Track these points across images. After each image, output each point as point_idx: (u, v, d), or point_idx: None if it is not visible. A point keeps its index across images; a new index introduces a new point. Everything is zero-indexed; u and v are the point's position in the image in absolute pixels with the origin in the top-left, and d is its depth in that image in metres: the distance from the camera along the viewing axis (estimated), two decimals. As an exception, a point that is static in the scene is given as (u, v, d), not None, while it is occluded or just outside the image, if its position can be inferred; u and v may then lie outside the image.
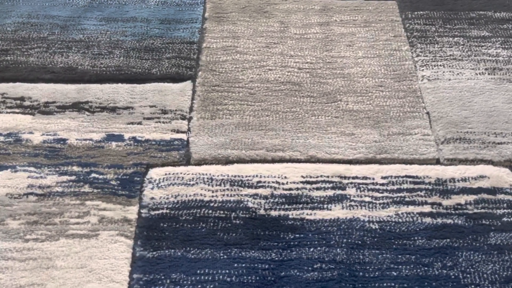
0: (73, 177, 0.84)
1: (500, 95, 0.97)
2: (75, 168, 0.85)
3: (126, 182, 0.84)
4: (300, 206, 0.81)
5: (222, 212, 0.80)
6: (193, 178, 0.84)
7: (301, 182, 0.84)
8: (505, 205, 0.81)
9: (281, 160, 0.87)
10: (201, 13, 1.13)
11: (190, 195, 0.82)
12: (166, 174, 0.85)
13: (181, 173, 0.85)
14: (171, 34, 1.08)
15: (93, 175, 0.84)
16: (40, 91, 0.97)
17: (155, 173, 0.85)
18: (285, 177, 0.85)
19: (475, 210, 0.81)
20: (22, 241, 0.76)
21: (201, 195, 0.82)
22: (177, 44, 1.06)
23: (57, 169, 0.85)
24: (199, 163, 0.87)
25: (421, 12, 1.13)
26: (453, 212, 0.80)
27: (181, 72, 1.00)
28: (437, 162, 0.88)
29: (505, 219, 0.79)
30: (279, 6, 1.15)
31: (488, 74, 1.01)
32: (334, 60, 1.03)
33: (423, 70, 1.02)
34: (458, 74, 1.01)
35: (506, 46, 1.06)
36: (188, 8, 1.14)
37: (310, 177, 0.85)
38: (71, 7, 1.15)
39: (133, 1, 1.16)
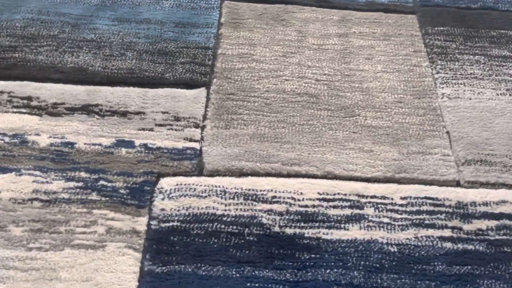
0: (80, 184, 0.80)
1: (522, 117, 0.95)
2: (83, 174, 0.82)
3: (135, 191, 0.80)
4: (317, 224, 0.78)
5: (235, 227, 0.77)
6: (205, 190, 0.81)
7: (318, 199, 0.81)
8: (527, 232, 0.79)
9: (297, 175, 0.84)
10: (217, 18, 1.10)
11: (202, 208, 0.79)
12: (177, 184, 0.82)
13: (193, 184, 0.82)
14: (185, 38, 1.05)
15: (101, 182, 0.81)
16: (48, 91, 0.94)
17: (166, 183, 0.82)
18: (301, 193, 0.82)
19: (497, 237, 0.78)
20: (25, 249, 0.72)
21: (213, 208, 0.79)
22: (192, 49, 1.02)
23: (64, 174, 0.81)
24: (212, 174, 0.84)
25: (442, 28, 1.11)
26: (474, 237, 0.78)
27: (195, 78, 0.97)
28: (457, 184, 0.85)
29: (527, 247, 0.77)
30: (296, 15, 1.12)
31: (510, 95, 0.98)
32: (353, 73, 1.00)
33: (443, 87, 0.99)
34: (479, 93, 0.98)
35: (528, 67, 1.04)
36: (204, 12, 1.11)
37: (327, 194, 0.82)
38: (83, 5, 1.12)
39: (147, 2, 1.13)
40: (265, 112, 0.93)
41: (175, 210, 0.79)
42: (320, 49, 1.04)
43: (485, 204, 0.82)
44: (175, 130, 0.89)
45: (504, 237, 0.78)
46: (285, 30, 1.08)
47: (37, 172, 0.81)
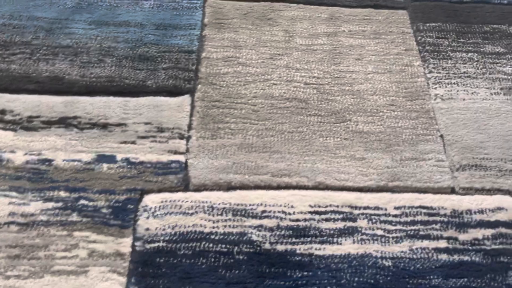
0: (59, 204, 0.76)
1: (516, 117, 0.92)
2: (62, 194, 0.77)
3: (118, 210, 0.76)
4: (309, 239, 0.75)
5: (224, 246, 0.74)
6: (192, 206, 0.78)
7: (309, 212, 0.78)
8: (524, 240, 0.77)
9: (287, 187, 0.81)
10: (200, 19, 1.04)
11: (189, 226, 0.76)
12: (162, 201, 0.78)
13: (179, 201, 0.78)
14: (167, 42, 0.99)
15: (82, 201, 0.77)
16: (23, 103, 0.89)
17: (150, 200, 0.78)
18: (292, 206, 0.79)
19: (493, 246, 0.76)
20: (2, 278, 0.68)
21: (201, 225, 0.76)
22: (174, 53, 0.97)
23: (42, 194, 0.77)
24: (199, 188, 0.80)
25: (433, 24, 1.07)
26: (470, 248, 0.76)
27: (178, 85, 0.93)
28: (452, 191, 0.83)
29: (524, 256, 0.75)
30: (283, 13, 1.07)
31: (504, 94, 0.95)
32: (343, 75, 0.97)
33: (436, 88, 0.96)
34: (472, 93, 0.95)
35: (522, 64, 1.01)
36: (186, 13, 1.05)
37: (319, 206, 0.79)
38: (58, 8, 1.05)
39: (126, 3, 1.07)
40: (253, 119, 0.89)
41: (160, 229, 0.75)
42: (308, 50, 1.00)
43: (481, 211, 0.80)
44: (159, 142, 0.85)
45: (501, 246, 0.76)
46: (272, 30, 1.04)
47: (13, 193, 0.77)
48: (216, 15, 1.05)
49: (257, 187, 0.81)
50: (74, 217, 0.75)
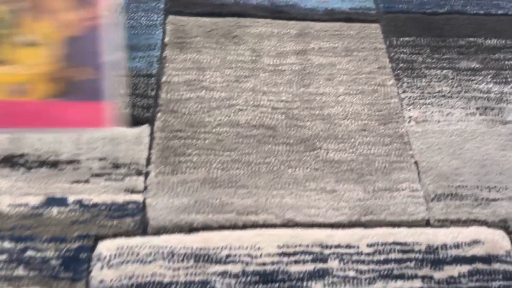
0: (4, 256, 0.70)
1: (492, 140, 0.89)
2: (7, 244, 0.71)
3: (69, 261, 0.70)
4: (276, 285, 0.71)
5: (185, 296, 0.69)
6: (150, 253, 0.72)
7: (277, 254, 0.73)
8: (500, 276, 0.74)
9: (254, 225, 0.76)
10: (160, 38, 0.97)
11: (147, 276, 0.70)
12: (118, 248, 0.72)
13: (136, 247, 0.72)
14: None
15: (29, 252, 0.70)
16: (-37, 140, 0.81)
17: (105, 247, 0.72)
18: (259, 248, 0.74)
19: (470, 284, 0.73)
20: None
21: (160, 275, 0.70)
22: (132, 77, 0.90)
23: (-16, 246, 0.70)
24: (158, 231, 0.74)
25: (407, 39, 1.02)
26: (446, 287, 0.72)
27: (136, 114, 0.86)
28: (427, 223, 0.79)
29: (501, 293, 0.72)
30: (250, 29, 1.01)
31: (480, 114, 0.92)
32: (313, 98, 0.91)
33: (410, 109, 0.92)
34: (447, 114, 0.91)
35: (498, 80, 0.97)
36: (145, 31, 0.98)
37: (287, 246, 0.74)
38: None
39: (79, 22, 0.99)
40: (217, 150, 0.83)
41: (116, 281, 0.69)
42: (276, 71, 0.94)
43: (457, 246, 0.76)
44: (114, 180, 0.78)
45: (477, 284, 0.73)
46: (238, 49, 0.97)
47: (-49, 246, 0.70)
48: (178, 34, 0.99)
49: (222, 227, 0.76)
50: (20, 271, 0.69)
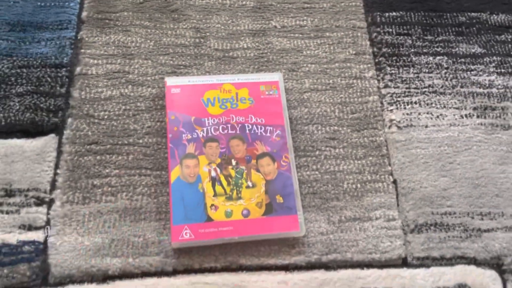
0: None
1: (491, 151, 0.72)
2: None
3: None
4: None
5: None
6: (51, 312, 0.57)
7: (214, 308, 0.59)
8: (488, 331, 0.61)
9: (187, 270, 0.61)
10: (76, 12, 0.75)
11: None
12: (8, 307, 0.57)
13: (32, 304, 0.57)
14: (26, 51, 0.71)
15: None
16: None
17: (-9, 306, 0.57)
18: (191, 302, 0.59)
19: None
20: None
21: None
22: (36, 68, 0.69)
23: None
24: (62, 281, 0.58)
25: (394, 14, 0.81)
26: None
27: (39, 120, 0.66)
28: (404, 262, 0.64)
29: None
30: (194, 1, 0.78)
31: (477, 116, 0.74)
32: (271, 96, 0.72)
33: (391, 110, 0.73)
34: (438, 117, 0.73)
35: (503, 70, 0.78)
36: (56, 3, 0.75)
37: (228, 298, 0.59)
38: None
39: (-33, -10, 0.75)
40: (144, 169, 0.65)
41: None
42: (225, 58, 0.74)
43: (438, 293, 0.62)
44: (6, 213, 0.61)
45: None
46: (177, 27, 0.76)
47: None
48: (99, 7, 0.76)
49: (145, 274, 0.60)
50: None
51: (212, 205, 0.62)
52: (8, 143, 0.64)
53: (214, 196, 0.62)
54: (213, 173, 0.63)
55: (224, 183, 0.63)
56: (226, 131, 0.66)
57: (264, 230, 0.61)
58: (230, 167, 0.64)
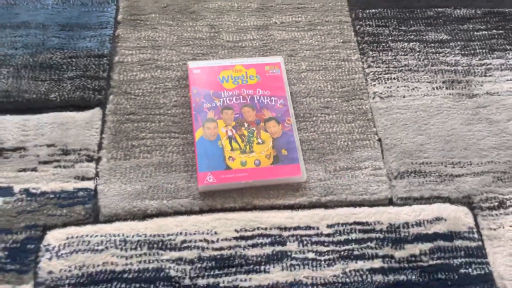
0: None
1: (458, 114, 0.86)
2: (-51, 238, 0.68)
3: (16, 253, 0.67)
4: (233, 270, 0.69)
5: (138, 285, 0.66)
6: (102, 242, 0.69)
7: (235, 238, 0.71)
8: (462, 253, 0.73)
9: (211, 210, 0.74)
10: (113, 15, 0.92)
11: (98, 265, 0.68)
12: (68, 238, 0.69)
13: (87, 236, 0.70)
14: (74, 45, 0.87)
15: (-28, 245, 0.67)
16: None
17: (53, 237, 0.69)
18: (216, 233, 0.71)
19: (431, 262, 0.71)
20: None
21: (112, 263, 0.68)
22: (83, 58, 0.86)
23: None
24: (110, 219, 0.71)
25: (374, 11, 0.98)
26: (407, 265, 0.71)
27: (87, 97, 0.82)
28: (390, 202, 0.77)
29: (462, 270, 0.71)
30: (208, 4, 0.96)
31: (446, 88, 0.89)
32: (274, 75, 0.88)
33: (374, 85, 0.88)
34: (413, 89, 0.89)
35: (466, 52, 0.94)
36: (96, 9, 0.92)
37: (245, 230, 0.72)
38: None
39: (26, 0, 0.93)
40: (173, 133, 0.80)
41: (66, 271, 0.67)
42: (236, 48, 0.90)
43: (418, 224, 0.75)
44: (64, 167, 0.75)
45: (438, 261, 0.72)
46: (195, 25, 0.93)
47: None
48: (132, 10, 0.93)
49: (177, 213, 0.73)
50: (-37, 265, 0.66)
51: (230, 157, 0.76)
52: (64, 115, 0.79)
53: (231, 150, 0.76)
54: (229, 133, 0.78)
55: (239, 140, 0.77)
56: (238, 101, 0.81)
57: (272, 175, 0.75)
58: (243, 128, 0.78)
